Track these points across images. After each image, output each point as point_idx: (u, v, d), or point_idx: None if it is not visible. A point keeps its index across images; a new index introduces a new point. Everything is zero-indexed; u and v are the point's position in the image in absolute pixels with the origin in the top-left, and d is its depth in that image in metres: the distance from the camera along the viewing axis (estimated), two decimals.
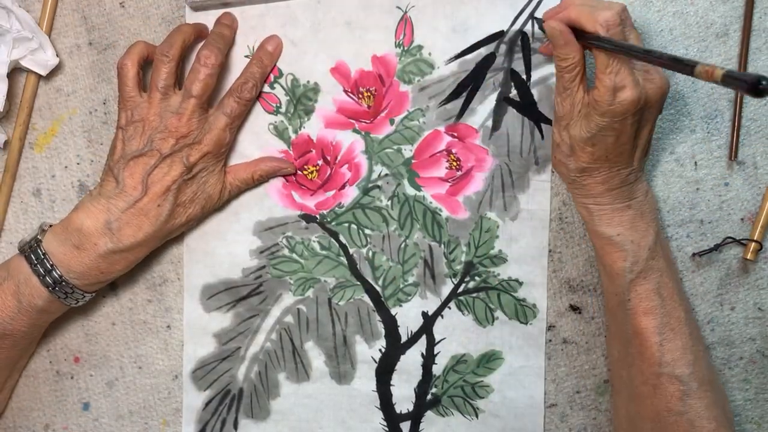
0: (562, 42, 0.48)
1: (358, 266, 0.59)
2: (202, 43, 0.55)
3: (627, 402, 0.53)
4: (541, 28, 0.53)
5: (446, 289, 0.58)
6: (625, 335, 0.51)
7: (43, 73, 0.58)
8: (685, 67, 0.41)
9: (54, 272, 0.52)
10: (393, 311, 0.59)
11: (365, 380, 0.59)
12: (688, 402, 0.49)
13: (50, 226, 0.54)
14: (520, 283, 0.57)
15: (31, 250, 0.53)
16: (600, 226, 0.50)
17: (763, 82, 0.36)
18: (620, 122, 0.47)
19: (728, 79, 0.38)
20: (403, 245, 0.58)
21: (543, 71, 0.56)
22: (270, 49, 0.57)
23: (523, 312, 0.57)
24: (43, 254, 0.52)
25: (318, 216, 0.59)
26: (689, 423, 0.49)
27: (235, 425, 0.60)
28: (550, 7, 0.52)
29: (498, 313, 0.58)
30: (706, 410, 0.49)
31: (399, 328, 0.59)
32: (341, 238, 0.59)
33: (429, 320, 0.58)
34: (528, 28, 0.56)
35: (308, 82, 0.58)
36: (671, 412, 0.49)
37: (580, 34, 0.48)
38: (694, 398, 0.49)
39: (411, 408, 0.59)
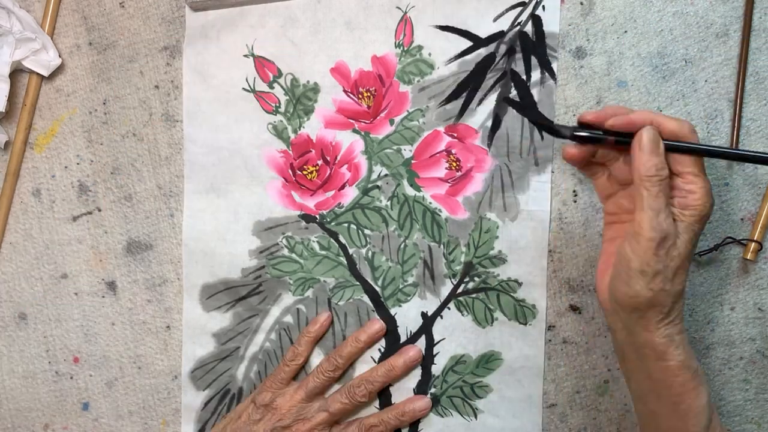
0: (657, 150, 0.41)
1: (357, 266, 0.59)
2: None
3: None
4: (570, 134, 0.45)
5: (446, 289, 0.58)
6: None
7: (45, 73, 0.58)
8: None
9: None
10: (392, 311, 0.58)
11: None
12: None
13: None
14: (520, 284, 0.57)
15: None
16: (690, 359, 0.43)
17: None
18: (701, 228, 0.43)
19: None
20: (402, 245, 0.58)
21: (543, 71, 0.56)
22: (404, 361, 0.57)
23: (522, 313, 0.57)
24: None
25: (317, 216, 0.59)
26: None
27: None
28: (588, 111, 0.46)
29: (497, 314, 0.58)
30: None
31: (398, 329, 0.59)
32: (341, 238, 0.59)
33: (428, 321, 0.58)
34: (528, 28, 0.56)
35: (308, 82, 0.58)
36: None
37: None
38: None
39: None
